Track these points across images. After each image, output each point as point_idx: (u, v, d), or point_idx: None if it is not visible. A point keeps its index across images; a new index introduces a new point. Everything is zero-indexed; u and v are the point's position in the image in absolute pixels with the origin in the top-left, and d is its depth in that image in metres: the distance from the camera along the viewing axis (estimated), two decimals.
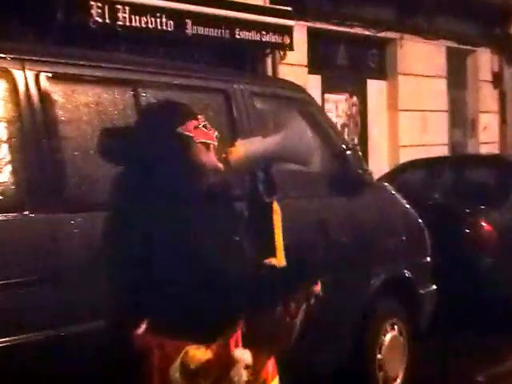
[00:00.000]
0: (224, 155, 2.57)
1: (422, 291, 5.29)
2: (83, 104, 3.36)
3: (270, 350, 2.44)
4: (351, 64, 11.02)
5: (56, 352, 2.95)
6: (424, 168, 8.24)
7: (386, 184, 5.36)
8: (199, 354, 2.27)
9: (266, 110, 4.26)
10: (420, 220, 5.37)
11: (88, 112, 3.37)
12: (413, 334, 5.25)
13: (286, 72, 9.16)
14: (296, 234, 4.11)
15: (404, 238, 5.14)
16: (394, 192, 5.27)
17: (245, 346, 2.35)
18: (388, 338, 5.01)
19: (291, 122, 2.82)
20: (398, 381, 5.11)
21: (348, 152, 4.57)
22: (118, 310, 2.60)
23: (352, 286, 4.62)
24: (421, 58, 11.62)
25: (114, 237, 2.54)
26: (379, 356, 4.94)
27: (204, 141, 2.49)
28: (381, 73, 11.49)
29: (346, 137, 10.79)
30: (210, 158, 2.50)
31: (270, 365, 2.54)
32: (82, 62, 3.44)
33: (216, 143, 2.54)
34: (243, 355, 2.29)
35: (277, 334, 2.36)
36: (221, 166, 2.53)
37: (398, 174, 8.12)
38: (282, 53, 9.21)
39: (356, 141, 11.04)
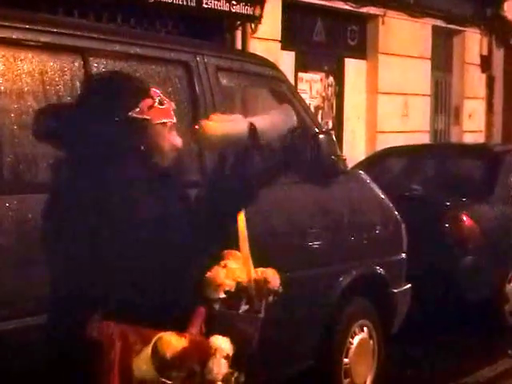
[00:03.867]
0: (196, 128, 2.51)
1: (395, 290, 5.28)
2: (25, 73, 3.28)
3: (236, 343, 2.39)
4: (328, 41, 10.99)
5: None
6: (403, 156, 8.26)
7: (360, 172, 5.35)
8: (174, 341, 2.22)
9: (232, 86, 4.22)
10: (396, 213, 5.36)
11: (30, 82, 3.29)
12: (384, 337, 5.25)
13: (256, 47, 9.11)
14: (257, 224, 4.12)
15: (378, 231, 5.13)
16: (369, 181, 5.25)
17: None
18: (356, 340, 5.00)
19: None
20: None
21: (321, 136, 4.53)
22: (67, 298, 2.58)
23: (317, 284, 4.60)
24: (404, 37, 11.64)
25: (55, 222, 2.49)
26: (346, 360, 4.92)
27: (162, 121, 2.45)
28: (360, 51, 11.49)
29: (319, 120, 10.84)
30: (170, 138, 2.47)
31: None
32: (25, 26, 3.35)
33: (175, 120, 2.50)
34: (222, 344, 2.26)
35: (241, 327, 2.35)
36: (179, 143, 2.49)
37: (374, 161, 8.13)
38: (252, 25, 9.14)
39: (330, 125, 11.06)
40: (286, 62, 9.78)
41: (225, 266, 2.50)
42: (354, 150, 11.22)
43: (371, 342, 5.16)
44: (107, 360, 2.32)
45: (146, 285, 2.31)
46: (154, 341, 2.23)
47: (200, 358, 2.23)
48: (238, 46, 9.06)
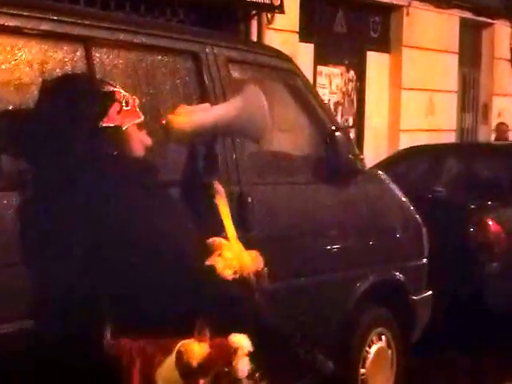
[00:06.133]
0: (164, 123, 2.56)
1: (415, 297, 5.26)
2: (24, 63, 3.27)
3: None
4: (350, 32, 10.95)
5: None
6: (427, 156, 8.21)
7: (380, 173, 5.31)
8: (197, 348, 2.28)
9: (244, 79, 4.19)
10: (417, 215, 5.33)
11: (30, 73, 3.28)
12: (403, 347, 5.22)
13: (272, 38, 9.09)
14: (269, 225, 4.10)
15: (397, 235, 5.11)
16: (388, 182, 5.22)
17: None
18: (374, 350, 4.97)
19: (248, 89, 2.77)
20: None
21: (337, 134, 4.51)
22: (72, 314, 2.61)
23: (332, 290, 4.58)
24: (430, 29, 11.57)
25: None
26: (362, 371, 4.89)
27: (131, 123, 2.50)
28: (383, 44, 11.44)
29: (339, 117, 10.81)
30: (140, 138, 2.51)
31: None
32: (24, 13, 3.33)
33: (142, 117, 2.55)
34: (242, 342, 2.31)
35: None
36: (148, 141, 2.53)
37: (396, 161, 8.09)
38: (269, 16, 9.11)
39: (351, 122, 11.02)
40: (304, 54, 9.76)
41: (220, 256, 2.51)
42: (376, 148, 11.17)
43: (390, 351, 5.13)
44: (129, 378, 2.37)
45: (150, 294, 2.35)
46: (176, 349, 2.28)
47: (224, 359, 2.30)
48: (253, 37, 9.04)
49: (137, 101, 2.64)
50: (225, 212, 2.69)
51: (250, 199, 4.02)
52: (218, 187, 2.74)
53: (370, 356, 4.95)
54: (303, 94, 4.57)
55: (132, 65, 3.67)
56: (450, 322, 6.44)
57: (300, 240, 4.31)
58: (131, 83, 3.55)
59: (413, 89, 11.55)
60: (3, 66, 3.21)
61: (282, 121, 4.55)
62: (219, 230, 2.63)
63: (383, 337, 5.06)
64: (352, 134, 11.13)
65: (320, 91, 10.44)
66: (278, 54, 4.64)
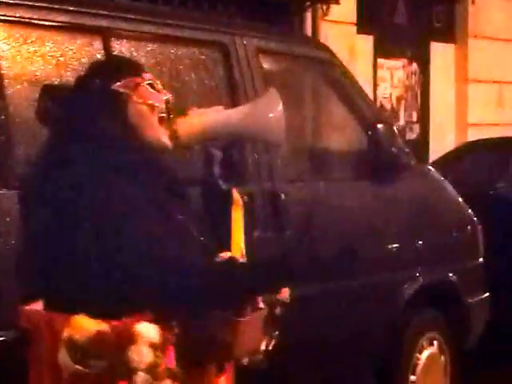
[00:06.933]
0: (173, 127, 2.39)
1: (470, 300, 5.10)
2: (39, 55, 3.23)
3: (209, 352, 2.28)
4: (412, 23, 10.72)
5: None
6: (492, 150, 7.96)
7: (430, 168, 5.17)
8: (87, 322, 2.11)
9: (275, 71, 4.09)
10: (471, 213, 5.15)
11: (45, 66, 3.24)
12: (458, 353, 5.06)
13: (328, 31, 8.91)
14: (305, 224, 3.98)
15: (449, 234, 4.97)
16: (438, 177, 5.06)
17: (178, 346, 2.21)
18: (424, 356, 4.83)
19: (265, 92, 2.66)
20: None
21: (379, 126, 4.36)
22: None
23: (378, 293, 4.47)
24: (498, 18, 11.28)
25: None
26: (412, 378, 4.77)
27: (147, 102, 2.32)
28: (448, 35, 11.18)
29: (402, 112, 10.61)
30: (154, 127, 2.33)
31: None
32: (38, 4, 3.28)
33: (165, 110, 2.36)
34: (147, 330, 2.12)
35: (215, 334, 2.22)
36: (167, 141, 2.36)
37: (457, 156, 7.88)
38: (324, 7, 8.95)
39: (415, 117, 10.81)
40: (362, 47, 9.57)
41: None
42: (443, 144, 10.91)
43: (442, 357, 4.99)
44: (36, 352, 2.24)
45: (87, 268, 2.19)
46: (66, 325, 2.13)
47: (119, 344, 2.11)
48: (308, 30, 8.88)
49: (170, 97, 2.41)
50: (238, 222, 2.54)
51: (283, 197, 3.91)
52: (235, 195, 2.59)
53: (421, 362, 4.82)
54: (342, 86, 4.45)
55: (154, 57, 3.58)
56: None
57: (339, 240, 4.17)
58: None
59: (480, 81, 11.26)
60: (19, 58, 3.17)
61: (319, 114, 4.42)
62: (226, 241, 2.47)
63: (435, 342, 4.92)
64: (416, 130, 10.93)
65: (381, 85, 10.26)
66: (313, 44, 4.55)
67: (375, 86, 9.99)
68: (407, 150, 4.69)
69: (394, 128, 4.51)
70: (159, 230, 2.21)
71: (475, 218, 5.17)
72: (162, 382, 2.12)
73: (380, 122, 4.40)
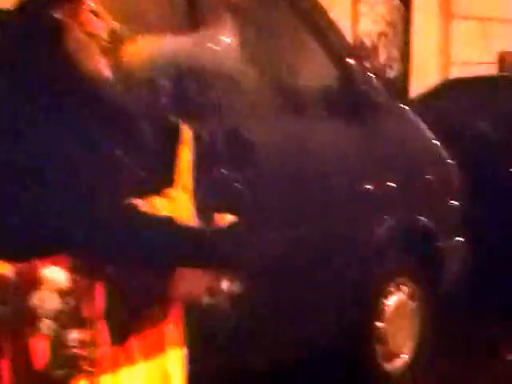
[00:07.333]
0: (118, 56, 2.21)
1: (443, 244, 4.97)
2: None
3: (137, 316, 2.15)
4: None
5: None
6: (473, 89, 7.79)
7: (404, 107, 4.99)
8: None
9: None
10: (447, 154, 5.01)
11: None
12: (431, 299, 4.96)
13: None
14: (269, 164, 3.83)
15: (422, 176, 4.84)
16: (414, 117, 4.92)
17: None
18: (392, 301, 4.72)
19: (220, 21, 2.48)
20: (404, 358, 4.82)
21: (349, 61, 4.19)
22: None
23: (345, 236, 4.36)
24: None
25: None
26: (378, 324, 4.65)
27: (88, 30, 2.14)
28: None
29: (382, 49, 10.40)
30: (94, 58, 2.15)
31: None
32: None
33: (107, 39, 2.18)
34: (54, 274, 1.99)
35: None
36: (108, 72, 2.17)
37: (438, 94, 7.69)
38: None
39: (397, 55, 10.61)
40: None
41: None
42: (424, 83, 10.74)
43: (412, 303, 4.88)
44: None
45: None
46: None
47: (22, 289, 1.98)
48: None
49: (115, 27, 2.24)
50: (185, 161, 2.38)
51: (245, 136, 3.74)
52: (186, 134, 2.42)
53: (388, 308, 4.70)
54: (312, 18, 4.25)
55: None
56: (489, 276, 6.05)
57: (301, 180, 4.04)
58: None
59: (465, 17, 11.06)
60: None
61: (285, 48, 4.23)
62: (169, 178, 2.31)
63: (404, 287, 4.81)
64: (397, 68, 10.74)
65: (361, 21, 10.03)
66: None
67: (355, 21, 9.78)
68: (381, 88, 4.52)
69: (366, 63, 4.35)
70: (88, 169, 2.05)
71: (451, 161, 5.04)
72: (72, 331, 2.01)
73: (351, 58, 4.24)
